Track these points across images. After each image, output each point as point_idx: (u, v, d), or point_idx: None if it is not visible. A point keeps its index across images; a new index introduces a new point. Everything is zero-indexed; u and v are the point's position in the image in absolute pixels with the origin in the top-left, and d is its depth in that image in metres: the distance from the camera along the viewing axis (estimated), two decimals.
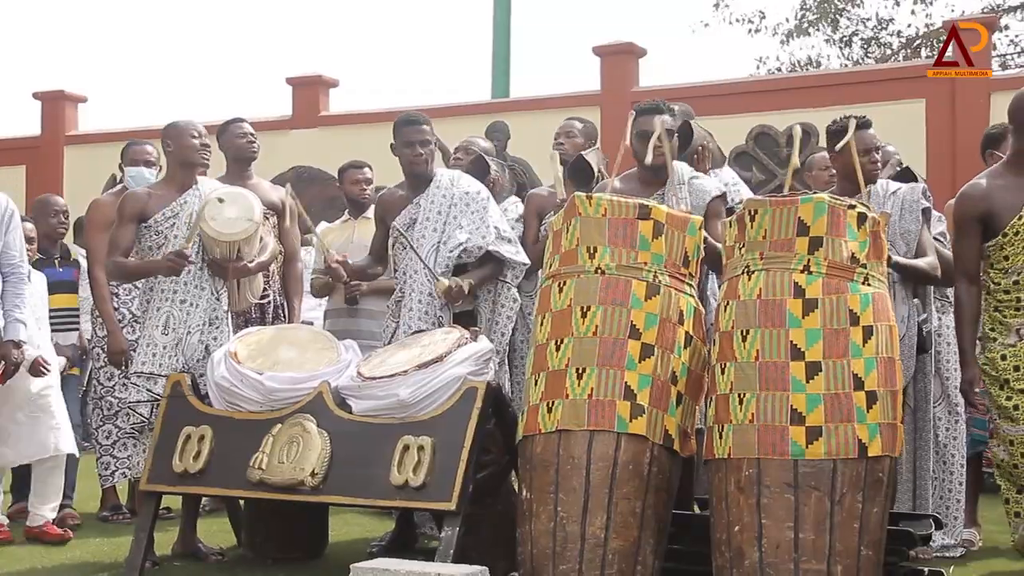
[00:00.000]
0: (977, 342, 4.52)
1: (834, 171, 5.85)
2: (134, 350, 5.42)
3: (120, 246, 5.32)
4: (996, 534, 5.53)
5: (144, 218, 5.31)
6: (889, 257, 4.48)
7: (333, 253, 5.75)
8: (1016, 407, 4.32)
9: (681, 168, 5.21)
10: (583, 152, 5.78)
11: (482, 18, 37.45)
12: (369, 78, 38.82)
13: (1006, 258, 4.37)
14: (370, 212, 6.41)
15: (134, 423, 5.29)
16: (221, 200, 5.22)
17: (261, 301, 5.78)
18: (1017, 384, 4.31)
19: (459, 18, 42.46)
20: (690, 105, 6.37)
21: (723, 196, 5.18)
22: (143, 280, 5.39)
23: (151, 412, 5.20)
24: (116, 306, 5.87)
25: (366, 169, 6.81)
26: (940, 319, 5.48)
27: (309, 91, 13.93)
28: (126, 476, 5.65)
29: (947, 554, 5.20)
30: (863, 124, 5.15)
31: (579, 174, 5.65)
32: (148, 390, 5.20)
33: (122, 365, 5.65)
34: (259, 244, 5.41)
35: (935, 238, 5.32)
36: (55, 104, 15.17)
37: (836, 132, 5.14)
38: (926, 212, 5.18)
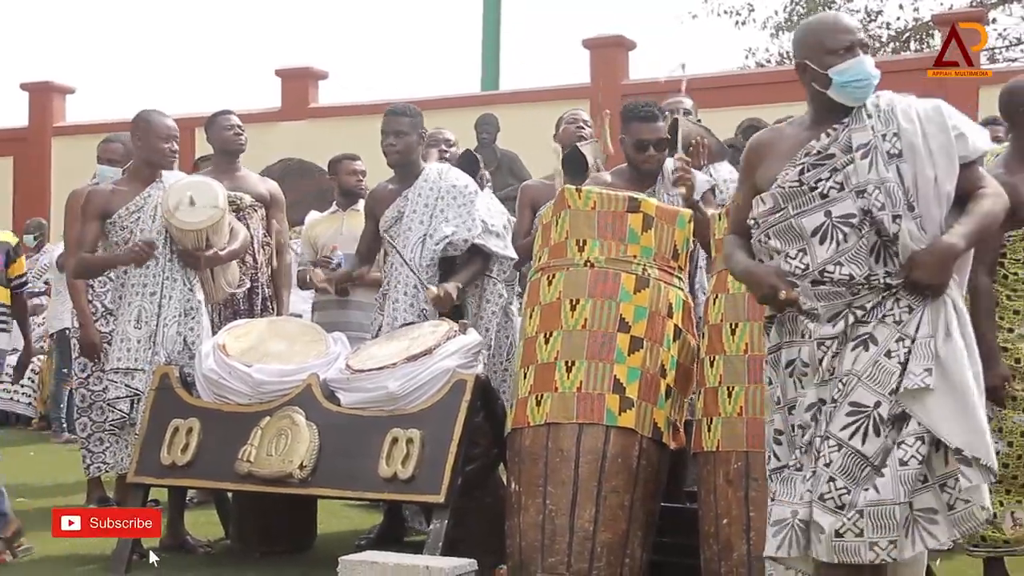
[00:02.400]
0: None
1: None
2: (108, 343, 5.39)
3: (84, 243, 5.30)
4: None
5: (108, 214, 5.28)
6: None
7: (319, 273, 5.75)
8: None
9: (671, 164, 5.20)
10: (578, 144, 5.77)
11: (472, 10, 37.42)
12: (358, 70, 38.82)
13: None
14: (360, 204, 6.40)
15: (114, 420, 5.26)
16: (192, 203, 5.19)
17: (238, 290, 5.77)
18: None
19: (449, 10, 42.41)
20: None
21: (713, 190, 5.18)
22: (116, 274, 5.37)
23: (131, 408, 5.18)
24: (90, 299, 5.83)
25: (359, 161, 6.81)
26: None
27: (298, 83, 13.92)
28: (101, 471, 5.63)
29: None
30: None
31: (573, 166, 5.64)
32: (127, 385, 5.17)
33: (95, 358, 5.62)
34: (228, 232, 5.38)
35: None
36: (42, 95, 15.13)
37: None
38: None
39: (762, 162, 3.39)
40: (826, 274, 3.19)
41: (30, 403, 10.95)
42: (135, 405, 5.16)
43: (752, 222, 3.35)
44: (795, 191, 3.25)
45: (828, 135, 3.28)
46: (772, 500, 3.29)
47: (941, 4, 20.64)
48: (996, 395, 4.31)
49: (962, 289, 3.32)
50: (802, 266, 3.22)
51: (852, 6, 21.80)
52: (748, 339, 3.91)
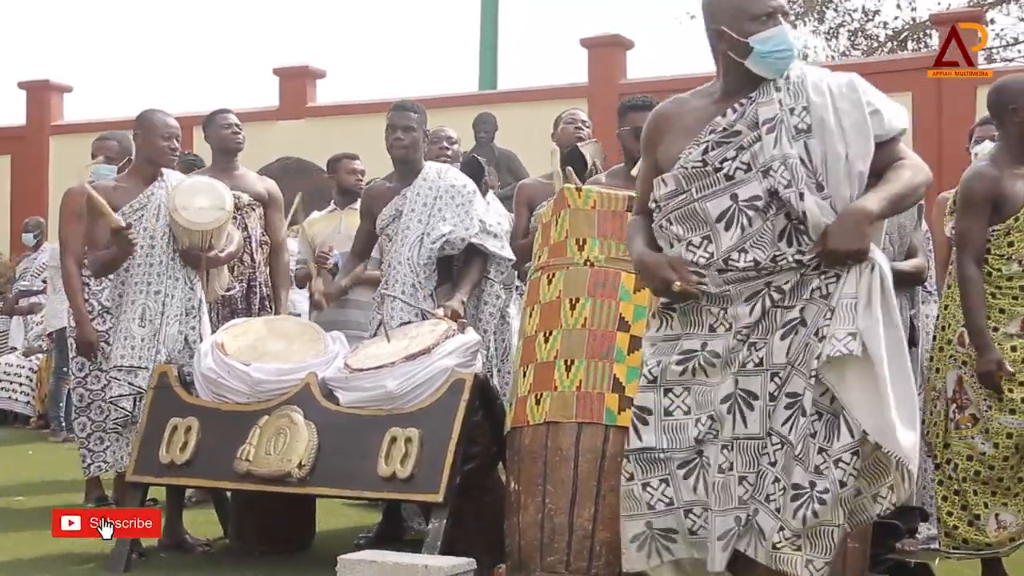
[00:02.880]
0: (962, 330, 4.49)
1: None
2: (106, 341, 5.39)
3: (98, 242, 5.30)
4: None
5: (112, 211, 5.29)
6: None
7: (319, 285, 5.75)
8: (1023, 399, 4.30)
9: None
10: (578, 144, 5.76)
11: (470, 9, 37.45)
12: (356, 69, 38.82)
13: (1011, 244, 4.35)
14: (358, 203, 6.41)
15: (116, 418, 5.26)
16: (199, 204, 5.20)
17: (228, 293, 5.79)
18: (1020, 376, 4.30)
19: (447, 9, 42.42)
20: None
21: None
22: (116, 272, 5.36)
23: (133, 406, 5.18)
24: (86, 297, 5.82)
25: (358, 160, 6.82)
26: (920, 308, 5.49)
27: (296, 82, 13.91)
28: (101, 469, 5.63)
29: (932, 545, 5.21)
30: None
31: (573, 166, 5.64)
32: (129, 383, 5.18)
33: (91, 356, 5.62)
34: (226, 236, 5.40)
35: None
36: (40, 93, 15.13)
37: None
38: (919, 209, 5.17)
39: (663, 137, 3.12)
40: (731, 262, 2.97)
41: (28, 402, 10.96)
42: (138, 403, 5.16)
43: (653, 205, 3.09)
44: (698, 172, 3.01)
45: (735, 110, 3.03)
46: (629, 482, 3.11)
47: (939, 4, 20.66)
48: (991, 381, 4.32)
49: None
50: (707, 255, 3.00)
51: (849, 5, 21.83)
52: None
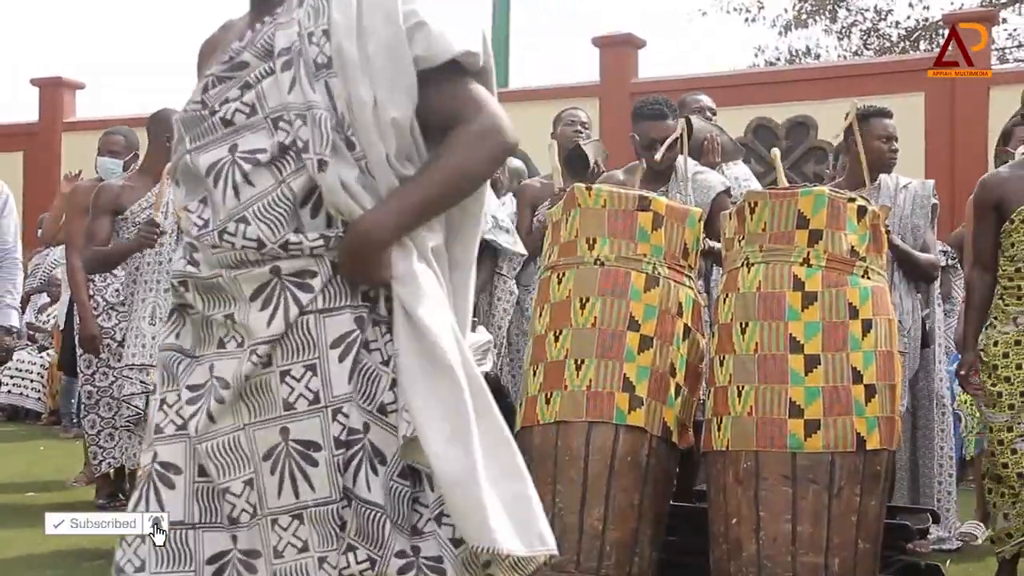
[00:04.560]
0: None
1: None
2: (112, 338, 5.40)
3: (96, 238, 5.30)
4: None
5: (119, 210, 5.30)
6: (890, 240, 4.50)
7: None
8: (999, 394, 4.37)
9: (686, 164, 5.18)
10: (581, 143, 5.76)
11: (481, 8, 37.39)
12: None
13: (1012, 245, 4.42)
14: None
15: (129, 416, 5.29)
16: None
17: None
18: (1004, 371, 4.38)
19: (458, 7, 42.45)
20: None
21: (728, 191, 5.12)
22: (125, 271, 5.38)
23: (146, 404, 5.20)
24: (91, 294, 5.85)
25: None
26: (934, 309, 5.49)
27: None
28: (111, 466, 5.64)
29: (943, 547, 5.21)
30: (882, 113, 5.16)
31: (575, 165, 5.64)
32: (141, 381, 5.20)
33: (94, 351, 5.63)
34: None
35: None
36: (53, 90, 15.19)
37: (857, 120, 5.13)
38: (933, 209, 5.18)
39: (200, 73, 2.34)
40: (226, 236, 2.13)
41: (39, 398, 10.99)
42: (150, 401, 5.18)
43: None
44: (196, 116, 2.21)
45: (249, 34, 2.23)
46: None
47: (951, 3, 20.63)
48: (962, 382, 4.66)
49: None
50: (200, 222, 2.18)
51: (861, 4, 21.81)
52: (758, 338, 3.91)
